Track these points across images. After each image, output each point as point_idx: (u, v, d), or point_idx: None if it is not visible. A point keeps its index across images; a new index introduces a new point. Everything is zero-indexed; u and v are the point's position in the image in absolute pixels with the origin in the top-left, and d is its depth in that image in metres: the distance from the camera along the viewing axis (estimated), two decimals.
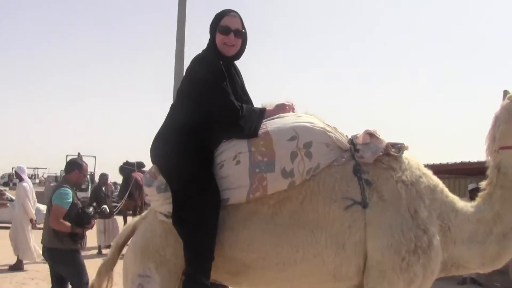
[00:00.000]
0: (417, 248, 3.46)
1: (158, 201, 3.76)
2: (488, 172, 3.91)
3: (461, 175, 15.23)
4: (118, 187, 23.33)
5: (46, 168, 48.72)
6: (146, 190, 3.86)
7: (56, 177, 38.00)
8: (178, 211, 3.61)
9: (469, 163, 13.09)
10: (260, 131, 3.66)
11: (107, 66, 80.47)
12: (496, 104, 4.03)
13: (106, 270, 4.20)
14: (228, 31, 3.84)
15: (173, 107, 3.92)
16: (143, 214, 4.15)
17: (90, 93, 78.26)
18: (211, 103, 3.68)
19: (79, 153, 38.31)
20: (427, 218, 3.58)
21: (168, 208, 3.69)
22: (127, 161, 18.08)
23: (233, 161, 3.63)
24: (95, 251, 15.30)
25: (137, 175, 17.05)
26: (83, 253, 15.09)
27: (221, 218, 3.58)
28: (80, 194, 33.88)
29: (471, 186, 10.27)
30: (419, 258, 3.46)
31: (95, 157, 39.92)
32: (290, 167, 3.55)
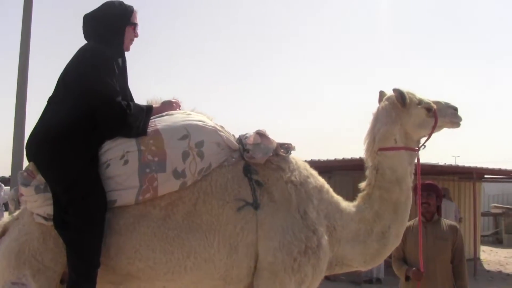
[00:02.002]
0: (307, 249, 3.50)
1: (36, 202, 3.47)
2: (367, 173, 4.04)
3: None
4: None
5: None
6: (22, 189, 3.53)
7: None
8: (60, 214, 3.36)
9: (318, 161, 13.58)
10: (149, 129, 3.51)
11: None
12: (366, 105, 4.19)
13: None
14: (137, 28, 3.75)
15: (53, 100, 3.62)
16: (15, 214, 3.79)
17: None
18: (97, 101, 3.45)
19: None
20: (316, 219, 3.64)
21: (48, 210, 3.42)
22: None
23: (120, 160, 3.44)
24: None
25: None
26: None
27: (108, 221, 3.39)
28: None
29: None
30: (309, 258, 3.50)
31: None
32: (182, 167, 3.45)
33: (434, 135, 4.14)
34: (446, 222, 5.48)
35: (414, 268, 5.05)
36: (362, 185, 4.06)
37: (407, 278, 5.19)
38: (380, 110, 4.08)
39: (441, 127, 4.12)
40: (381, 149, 3.97)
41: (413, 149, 4.05)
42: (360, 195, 4.04)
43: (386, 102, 4.06)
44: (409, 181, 4.01)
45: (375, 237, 3.89)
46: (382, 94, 4.19)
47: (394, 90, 4.01)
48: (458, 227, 5.49)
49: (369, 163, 4.04)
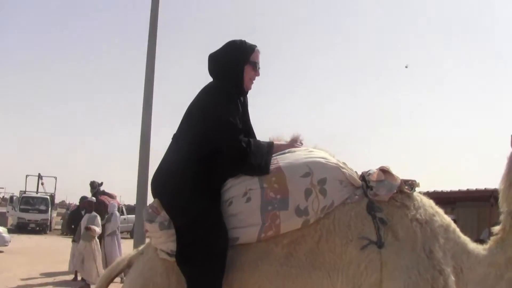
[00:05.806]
0: None
1: (161, 238, 3.54)
2: (501, 218, 3.79)
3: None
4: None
5: (3, 188, 47.48)
6: (147, 226, 3.62)
7: (12, 197, 36.44)
8: (183, 250, 3.40)
9: (441, 192, 13.10)
10: (272, 167, 3.50)
11: (69, 84, 78.73)
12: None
13: None
14: (258, 68, 3.76)
15: (176, 139, 3.71)
16: (140, 249, 3.90)
17: (52, 111, 76.92)
18: (220, 139, 3.50)
19: (39, 174, 37.53)
20: (442, 259, 3.46)
21: (171, 246, 3.47)
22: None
23: (243, 198, 3.45)
24: (67, 277, 14.40)
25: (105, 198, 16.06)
26: (55, 279, 14.20)
27: (230, 258, 3.38)
28: (35, 216, 32.71)
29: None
30: None
31: (55, 178, 39.14)
32: (304, 204, 3.39)
33: None
34: None
35: None
36: (496, 229, 3.82)
37: None
38: None
39: None
40: None
41: None
42: (493, 238, 3.80)
43: None
44: None
45: (506, 284, 3.62)
46: None
47: None
48: None
49: (504, 208, 3.78)
